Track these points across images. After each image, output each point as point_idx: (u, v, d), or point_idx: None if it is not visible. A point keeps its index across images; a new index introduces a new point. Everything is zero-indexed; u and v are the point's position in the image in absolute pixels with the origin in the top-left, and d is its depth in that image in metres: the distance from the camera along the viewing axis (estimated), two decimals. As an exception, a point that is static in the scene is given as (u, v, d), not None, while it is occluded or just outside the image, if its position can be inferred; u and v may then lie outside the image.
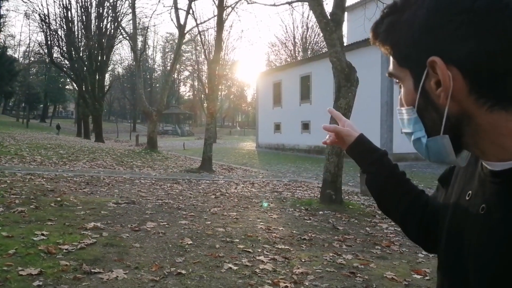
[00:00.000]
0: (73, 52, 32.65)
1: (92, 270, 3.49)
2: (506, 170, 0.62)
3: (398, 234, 5.70)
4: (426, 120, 0.68)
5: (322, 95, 22.70)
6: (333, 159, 7.60)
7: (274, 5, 11.83)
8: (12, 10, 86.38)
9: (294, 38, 47.38)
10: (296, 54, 45.90)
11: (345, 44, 10.06)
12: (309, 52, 43.13)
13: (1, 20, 41.20)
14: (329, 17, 7.56)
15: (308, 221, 6.19)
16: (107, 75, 43.71)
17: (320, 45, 43.18)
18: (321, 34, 8.06)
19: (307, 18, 46.36)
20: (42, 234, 4.36)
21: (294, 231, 5.49)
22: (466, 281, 0.68)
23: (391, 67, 0.72)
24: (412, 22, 0.65)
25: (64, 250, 3.93)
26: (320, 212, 6.92)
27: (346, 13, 9.10)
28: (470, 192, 0.72)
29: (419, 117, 0.68)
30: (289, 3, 11.50)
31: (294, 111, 25.99)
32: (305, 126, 25.08)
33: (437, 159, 0.70)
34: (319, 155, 21.05)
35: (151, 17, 50.07)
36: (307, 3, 8.06)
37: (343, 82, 7.54)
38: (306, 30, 46.04)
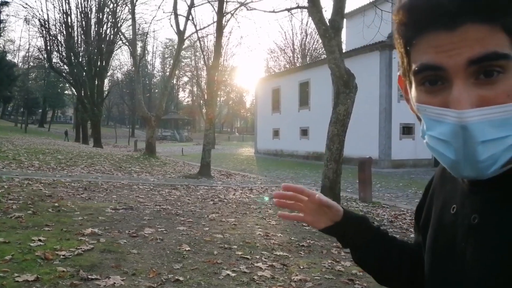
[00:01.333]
0: (72, 58, 32.71)
1: (89, 277, 3.47)
2: (495, 177, 0.60)
3: (396, 241, 5.68)
4: None
5: (321, 101, 22.76)
6: (332, 166, 7.60)
7: (273, 11, 11.87)
8: (12, 15, 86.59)
9: (293, 44, 47.63)
10: (295, 61, 46.07)
11: (344, 51, 10.10)
12: (308, 59, 43.31)
13: (1, 25, 41.29)
14: (328, 24, 7.60)
15: (307, 228, 6.17)
16: (106, 81, 43.76)
17: (319, 51, 43.36)
18: (320, 41, 8.09)
19: (306, 25, 46.59)
20: (39, 240, 4.34)
21: (293, 238, 5.47)
22: None
23: (495, 47, 0.55)
24: None
25: (61, 256, 3.91)
26: (319, 219, 6.90)
27: (345, 20, 9.15)
28: (454, 206, 0.69)
29: None
30: (288, 10, 11.55)
31: (292, 117, 26.04)
32: (304, 132, 25.11)
33: (490, 169, 0.59)
34: (318, 161, 21.05)
35: (150, 23, 50.37)
36: (306, 10, 8.11)
37: (342, 89, 7.55)
38: (305, 37, 46.28)
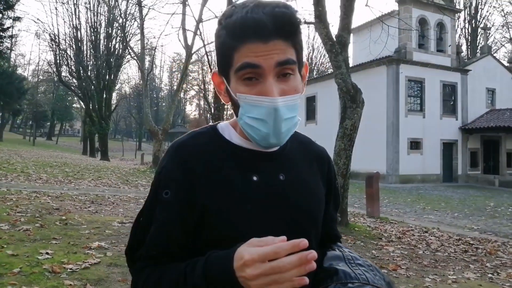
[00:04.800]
0: (81, 71, 33.12)
1: (96, 291, 3.46)
2: (283, 149, 0.96)
3: (404, 257, 5.61)
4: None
5: (328, 115, 22.76)
6: (339, 180, 7.55)
7: (280, 27, 11.98)
8: (24, 30, 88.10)
9: (299, 59, 47.67)
10: (302, 75, 46.09)
11: (350, 66, 10.14)
12: (314, 73, 43.44)
13: (13, 40, 42.01)
14: (334, 39, 7.64)
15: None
16: (114, 94, 44.22)
17: (326, 66, 43.52)
18: (327, 55, 8.13)
19: (313, 40, 46.91)
20: (47, 253, 4.34)
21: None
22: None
23: (290, 55, 0.83)
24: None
25: (69, 270, 3.90)
26: (326, 234, 6.84)
27: (351, 35, 9.20)
28: (254, 177, 0.90)
29: None
30: (295, 25, 11.64)
31: (299, 131, 26.02)
32: (310, 146, 25.06)
33: (285, 139, 0.89)
34: (324, 175, 20.92)
35: (159, 37, 51.14)
36: (313, 25, 8.18)
37: (349, 103, 7.57)
38: (311, 51, 46.45)
